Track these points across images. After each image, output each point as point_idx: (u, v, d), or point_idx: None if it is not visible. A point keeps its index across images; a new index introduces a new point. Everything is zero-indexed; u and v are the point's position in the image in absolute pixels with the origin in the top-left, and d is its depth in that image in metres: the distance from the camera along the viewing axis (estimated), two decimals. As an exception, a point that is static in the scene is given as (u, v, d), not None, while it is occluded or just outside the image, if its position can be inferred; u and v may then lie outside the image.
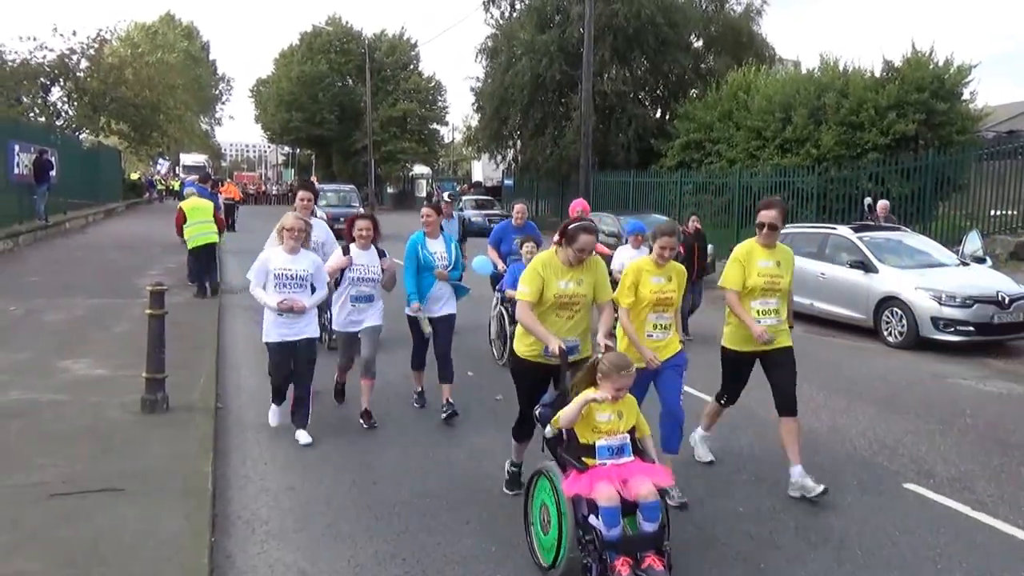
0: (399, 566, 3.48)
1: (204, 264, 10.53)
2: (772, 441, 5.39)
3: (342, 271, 5.40)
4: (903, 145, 15.99)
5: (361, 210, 6.78)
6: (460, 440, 5.22)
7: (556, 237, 3.88)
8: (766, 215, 4.48)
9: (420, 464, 4.78)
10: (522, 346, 3.92)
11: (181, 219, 10.47)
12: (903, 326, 8.86)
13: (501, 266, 7.47)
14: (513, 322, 6.80)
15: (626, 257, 8.01)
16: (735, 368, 4.63)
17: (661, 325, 4.28)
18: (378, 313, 5.49)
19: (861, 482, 4.61)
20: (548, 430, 3.48)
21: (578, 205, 8.08)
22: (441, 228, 5.99)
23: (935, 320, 8.58)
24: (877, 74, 17.22)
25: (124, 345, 7.11)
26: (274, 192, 51.60)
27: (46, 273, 11.91)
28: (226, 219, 21.47)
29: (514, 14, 27.71)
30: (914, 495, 4.44)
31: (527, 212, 7.93)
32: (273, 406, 5.33)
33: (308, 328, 5.02)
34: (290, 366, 5.03)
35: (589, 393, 3.35)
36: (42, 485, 3.97)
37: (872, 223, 11.69)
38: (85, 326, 8.17)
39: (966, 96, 16.57)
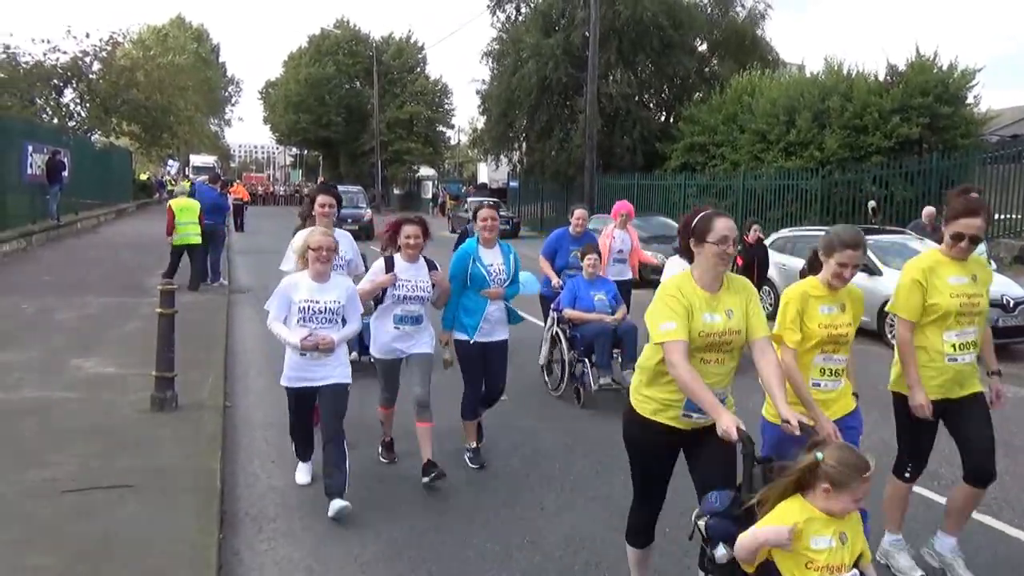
0: (405, 564, 3.51)
1: (178, 257, 10.88)
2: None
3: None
4: (907, 149, 16.01)
5: (411, 215, 5.03)
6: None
7: (678, 243, 2.97)
8: (970, 225, 3.21)
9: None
10: (650, 404, 2.78)
11: (171, 220, 10.76)
12: (906, 329, 8.86)
13: (556, 281, 6.52)
14: (573, 347, 6.16)
15: (678, 270, 6.98)
16: (918, 425, 3.44)
17: (831, 370, 3.11)
18: (429, 338, 4.51)
19: (864, 483, 4.63)
20: (721, 552, 2.36)
21: (622, 208, 7.30)
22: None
23: (938, 322, 8.58)
24: (881, 78, 17.27)
25: (134, 343, 7.19)
26: (281, 193, 51.96)
27: (58, 272, 12.04)
28: (235, 219, 21.70)
29: (520, 17, 27.82)
30: (918, 497, 4.41)
31: (587, 218, 6.87)
32: (300, 462, 4.45)
33: (336, 371, 4.03)
34: (312, 415, 4.29)
35: (792, 507, 2.20)
36: (54, 481, 4.03)
37: (876, 226, 11.69)
38: (96, 325, 8.26)
39: (970, 100, 16.62)
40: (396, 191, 47.66)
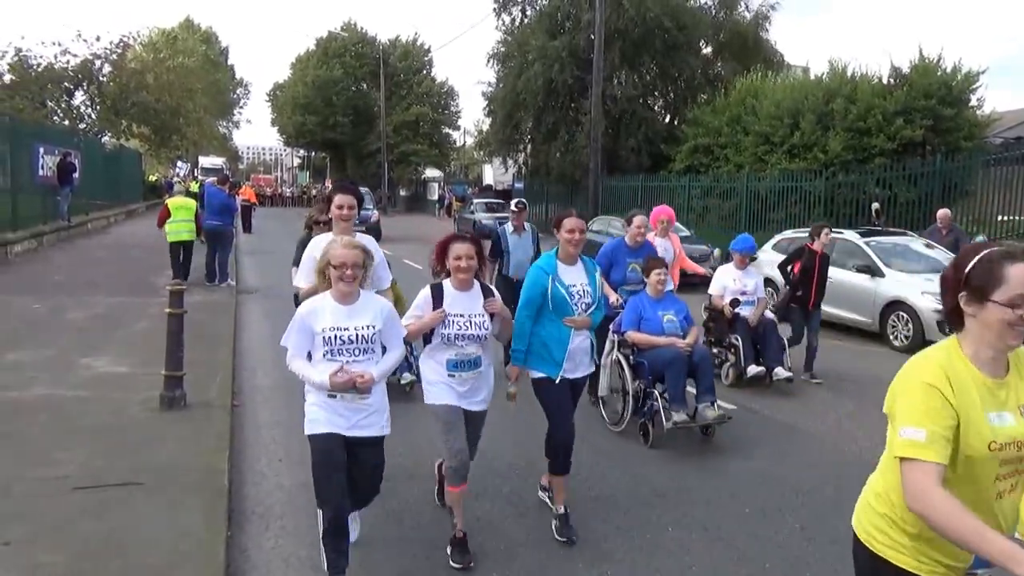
0: (410, 561, 3.55)
1: (175, 255, 11.33)
2: (778, 442, 5.49)
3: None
4: (910, 151, 16.02)
5: (461, 232, 4.44)
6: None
7: (940, 300, 1.87)
8: None
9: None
10: (914, 554, 1.83)
11: (165, 214, 11.29)
12: (909, 330, 8.90)
13: (615, 298, 5.62)
14: (638, 376, 5.31)
15: (728, 279, 6.91)
16: None
17: None
18: (488, 388, 3.65)
19: (867, 484, 4.65)
20: None
21: (662, 213, 6.56)
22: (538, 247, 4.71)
23: (941, 324, 8.61)
24: (885, 80, 17.28)
25: (144, 343, 7.25)
26: (289, 194, 52.28)
27: (69, 272, 12.15)
28: (243, 221, 21.85)
29: (525, 20, 27.89)
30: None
31: (647, 226, 5.95)
32: (326, 542, 3.21)
33: (374, 416, 3.22)
34: (344, 478, 3.17)
35: None
36: (64, 479, 4.07)
37: (879, 227, 11.70)
38: (106, 324, 8.31)
39: (973, 102, 16.62)
40: (402, 192, 47.85)
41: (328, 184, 43.67)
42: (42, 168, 16.76)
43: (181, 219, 11.22)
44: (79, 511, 3.72)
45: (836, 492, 4.47)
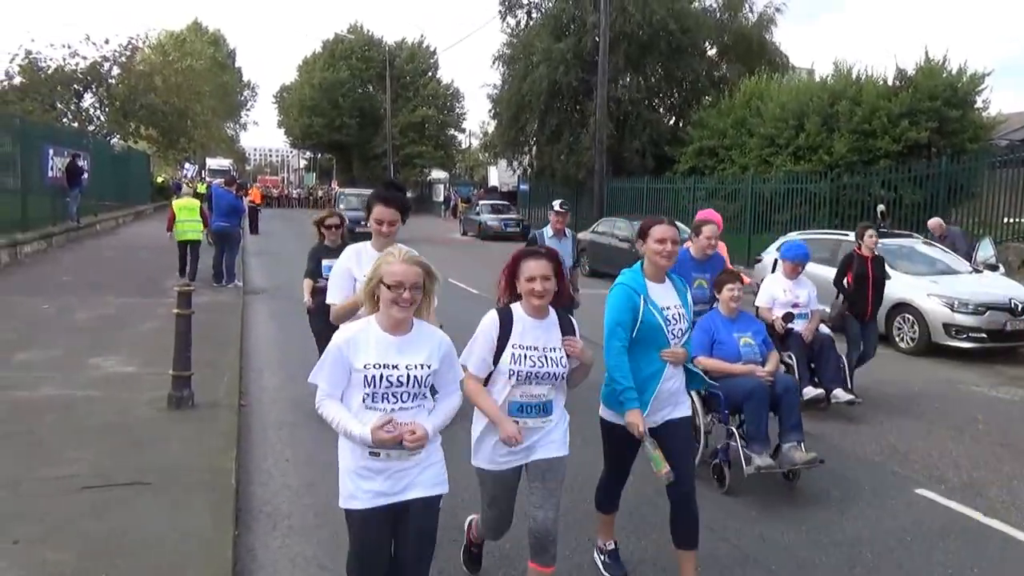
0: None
1: (182, 255, 11.73)
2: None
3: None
4: (916, 153, 16.01)
5: (536, 247, 3.35)
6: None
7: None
8: None
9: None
10: None
11: (173, 216, 11.62)
12: (915, 332, 8.89)
13: None
14: (710, 409, 4.54)
15: (778, 290, 5.98)
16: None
17: None
18: (562, 435, 2.97)
19: (873, 487, 4.63)
20: None
21: (708, 219, 5.48)
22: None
23: (947, 327, 8.60)
24: (890, 82, 17.28)
25: (151, 343, 7.26)
26: (295, 195, 52.46)
27: (78, 273, 12.21)
28: (249, 222, 21.98)
29: (530, 23, 27.97)
30: (926, 500, 4.45)
31: (718, 236, 5.09)
32: None
33: (426, 476, 2.56)
34: (389, 551, 2.60)
35: None
36: (73, 478, 4.08)
37: (884, 229, 11.68)
38: (114, 324, 8.35)
39: (979, 104, 16.61)
40: (408, 194, 47.84)
41: (335, 186, 43.92)
42: (52, 169, 16.89)
43: (186, 219, 11.55)
44: (87, 510, 3.74)
45: (841, 493, 4.47)
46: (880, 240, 10.23)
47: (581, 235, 17.07)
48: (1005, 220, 14.14)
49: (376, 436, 2.40)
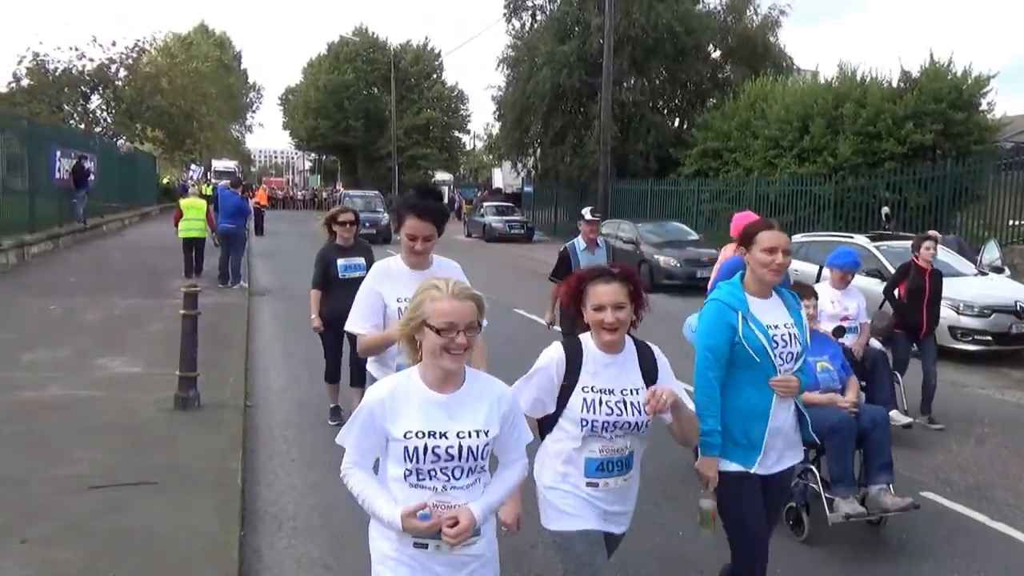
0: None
1: (187, 252, 12.16)
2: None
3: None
4: (920, 155, 15.98)
5: (606, 264, 2.68)
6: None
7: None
8: None
9: None
10: None
11: (179, 215, 12.15)
12: (921, 335, 8.86)
13: None
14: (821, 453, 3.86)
15: (825, 301, 5.34)
16: None
17: None
18: (633, 497, 2.47)
19: (879, 489, 4.65)
20: None
21: (745, 219, 5.03)
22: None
23: (952, 329, 8.58)
24: (895, 84, 17.25)
25: (158, 344, 7.31)
26: (300, 197, 52.65)
27: (84, 273, 12.29)
28: (255, 223, 22.06)
29: (535, 25, 28.01)
30: (932, 503, 4.42)
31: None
32: None
33: (481, 573, 2.04)
34: None
35: None
36: (80, 478, 4.11)
37: (889, 232, 11.66)
38: (121, 325, 8.41)
39: (984, 106, 16.58)
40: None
41: (339, 188, 44.03)
42: (59, 171, 16.99)
43: (192, 217, 11.95)
44: (94, 510, 3.76)
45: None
46: (885, 243, 10.39)
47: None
48: (1010, 223, 14.09)
49: (406, 524, 1.86)
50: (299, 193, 55.35)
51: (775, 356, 2.59)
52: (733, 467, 2.58)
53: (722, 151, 20.39)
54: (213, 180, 36.23)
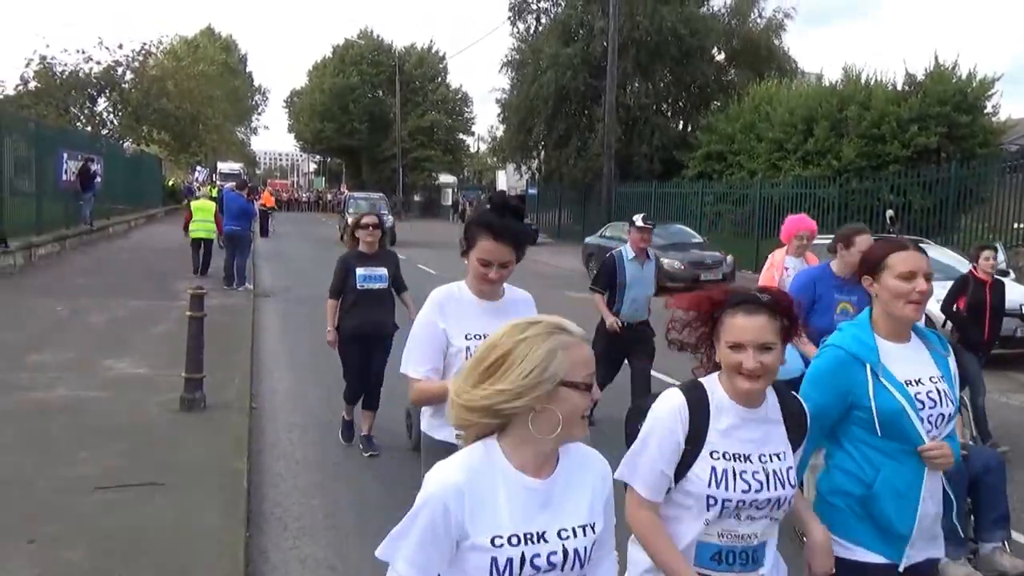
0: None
1: (196, 250, 12.68)
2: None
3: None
4: (925, 158, 15.96)
5: (741, 288, 1.75)
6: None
7: None
8: None
9: None
10: None
11: (189, 216, 12.73)
12: (924, 339, 8.85)
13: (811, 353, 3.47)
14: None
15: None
16: None
17: None
18: None
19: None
20: None
21: (801, 225, 4.97)
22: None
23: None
24: (899, 87, 17.24)
25: (164, 345, 7.33)
26: (305, 199, 52.89)
27: (91, 275, 12.34)
28: (260, 225, 22.16)
29: (539, 28, 28.09)
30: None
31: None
32: None
33: None
34: None
35: None
36: (86, 478, 4.13)
37: (894, 235, 11.64)
38: (127, 327, 8.44)
39: (989, 109, 16.55)
40: (416, 198, 48.19)
41: (344, 190, 44.15)
42: (66, 173, 17.08)
43: (200, 219, 12.39)
44: (101, 510, 3.78)
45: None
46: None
47: (588, 240, 17.13)
48: (1015, 226, 14.05)
49: None
50: (304, 195, 55.63)
51: (919, 419, 1.94)
52: (873, 558, 1.96)
53: (726, 154, 20.39)
54: (218, 182, 36.38)
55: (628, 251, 5.37)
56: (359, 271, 4.84)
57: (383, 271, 4.92)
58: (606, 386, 4.91)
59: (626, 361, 5.28)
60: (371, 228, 4.91)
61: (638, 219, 5.33)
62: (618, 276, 5.27)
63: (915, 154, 15.88)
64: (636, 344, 5.24)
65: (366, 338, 4.90)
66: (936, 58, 17.04)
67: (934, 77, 16.60)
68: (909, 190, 15.14)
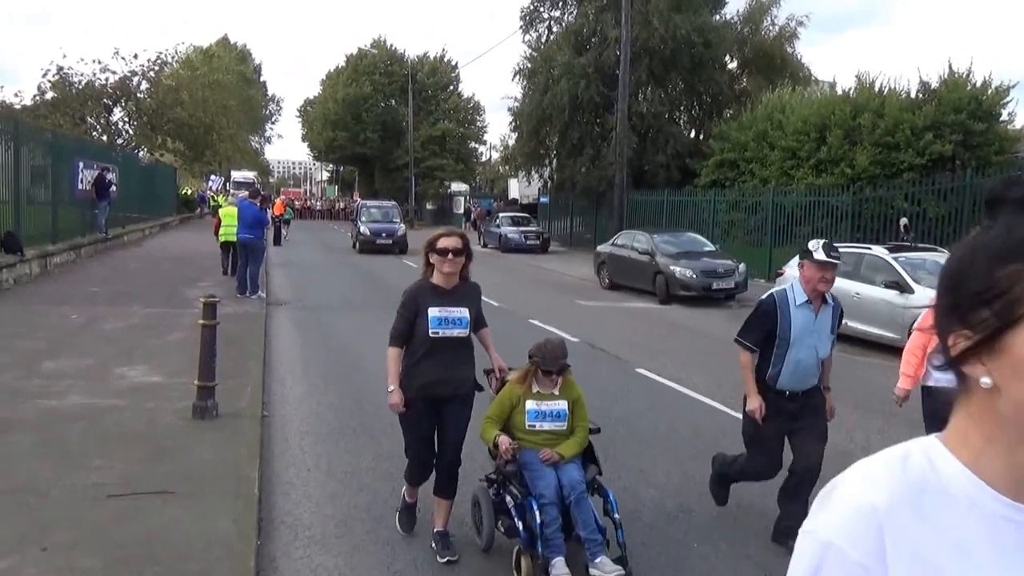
0: (436, 572, 3.58)
1: (226, 253, 13.88)
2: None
3: None
4: (940, 166, 15.81)
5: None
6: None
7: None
8: None
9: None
10: None
11: (218, 223, 14.07)
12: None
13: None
14: None
15: None
16: None
17: None
18: None
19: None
20: None
21: None
22: None
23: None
24: (913, 94, 17.13)
25: (177, 353, 7.36)
26: (318, 207, 53.29)
27: (105, 283, 12.44)
28: (274, 234, 22.33)
29: (551, 36, 28.18)
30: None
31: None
32: None
33: None
34: None
35: None
36: (100, 486, 4.14)
37: (908, 243, 11.53)
38: (141, 335, 8.48)
39: (1004, 117, 16.41)
40: (429, 206, 48.45)
41: (357, 198, 44.45)
42: (81, 182, 17.29)
43: (228, 224, 13.48)
44: (114, 518, 3.80)
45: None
46: (903, 254, 10.28)
47: (600, 248, 17.09)
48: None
49: None
50: (317, 203, 56.05)
51: None
52: None
53: (739, 162, 20.33)
54: (232, 191, 36.68)
55: (798, 292, 3.76)
56: (432, 313, 3.53)
57: (463, 313, 3.58)
58: (769, 479, 3.90)
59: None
60: (451, 256, 3.50)
61: (818, 250, 3.68)
62: (779, 327, 3.74)
63: (930, 162, 15.74)
64: (800, 420, 3.81)
65: (439, 401, 3.65)
66: (950, 65, 16.92)
67: (948, 85, 16.48)
68: (923, 198, 15.01)
